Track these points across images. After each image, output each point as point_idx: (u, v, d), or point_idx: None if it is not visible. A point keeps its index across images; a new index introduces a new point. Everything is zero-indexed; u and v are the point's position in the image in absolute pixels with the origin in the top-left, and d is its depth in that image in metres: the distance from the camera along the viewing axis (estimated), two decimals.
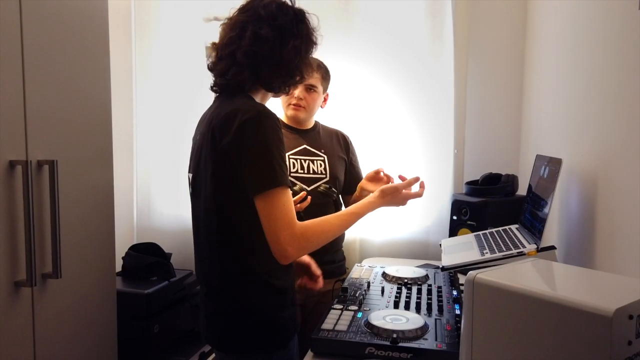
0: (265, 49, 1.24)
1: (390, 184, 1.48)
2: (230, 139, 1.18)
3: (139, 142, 2.47)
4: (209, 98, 1.34)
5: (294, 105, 1.92)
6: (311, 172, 1.92)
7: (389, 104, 2.39)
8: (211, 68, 1.31)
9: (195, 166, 1.30)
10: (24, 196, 1.06)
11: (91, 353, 1.29)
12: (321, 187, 1.87)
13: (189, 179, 1.36)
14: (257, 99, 1.32)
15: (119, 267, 2.22)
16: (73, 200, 1.19)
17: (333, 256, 1.99)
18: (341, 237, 2.05)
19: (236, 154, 1.18)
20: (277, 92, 1.36)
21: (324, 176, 1.93)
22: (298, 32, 1.28)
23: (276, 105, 2.05)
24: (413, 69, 2.36)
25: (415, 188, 1.51)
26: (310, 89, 1.92)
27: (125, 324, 1.62)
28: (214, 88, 1.32)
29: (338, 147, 2.05)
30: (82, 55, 1.23)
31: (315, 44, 1.35)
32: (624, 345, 0.67)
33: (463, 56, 2.38)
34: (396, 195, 1.45)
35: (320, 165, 1.94)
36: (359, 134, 2.39)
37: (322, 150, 1.97)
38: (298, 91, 1.89)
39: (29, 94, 1.07)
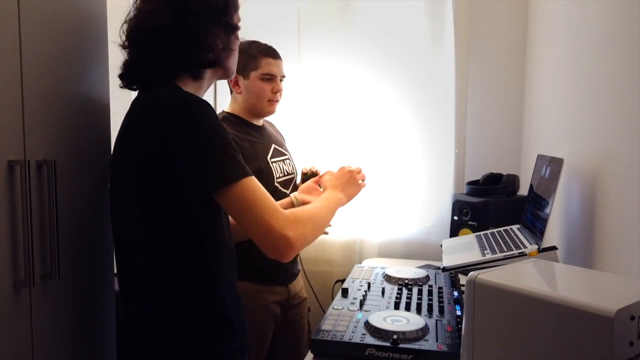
0: (132, 23, 1.08)
1: (327, 179, 1.37)
2: (155, 137, 1.01)
3: None
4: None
5: (276, 101, 1.78)
6: (286, 173, 1.83)
7: (389, 104, 2.39)
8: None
9: (113, 175, 1.14)
10: (22, 196, 1.05)
11: (90, 354, 1.28)
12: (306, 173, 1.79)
13: (109, 189, 1.18)
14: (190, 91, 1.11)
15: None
16: (72, 200, 1.18)
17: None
18: None
19: (168, 155, 1.00)
20: (181, 78, 1.12)
21: (293, 175, 1.86)
22: None
23: (224, 98, 1.96)
24: (413, 69, 2.36)
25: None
26: (281, 80, 1.82)
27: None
28: (123, 84, 1.16)
29: (283, 140, 1.96)
30: (80, 55, 1.23)
31: (217, 4, 1.11)
32: (625, 346, 0.66)
33: (464, 56, 2.38)
34: (333, 175, 1.36)
35: (289, 165, 1.86)
36: (359, 134, 2.39)
37: (284, 148, 1.89)
38: (277, 84, 1.77)
39: (27, 93, 1.06)
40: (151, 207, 1.06)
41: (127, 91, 1.25)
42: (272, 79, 1.77)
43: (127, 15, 1.13)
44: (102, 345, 1.33)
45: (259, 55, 1.76)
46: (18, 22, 1.04)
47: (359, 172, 1.40)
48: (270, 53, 1.78)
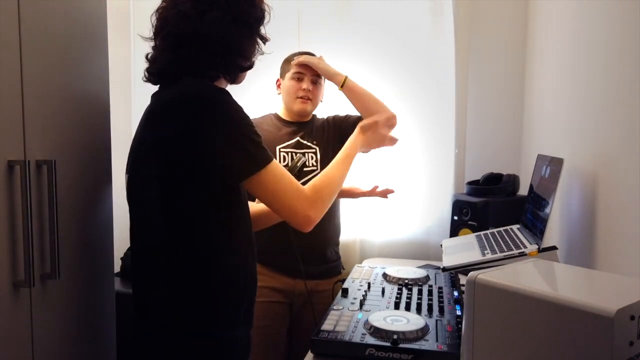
0: (186, 26, 1.11)
1: (368, 119, 1.48)
2: (181, 127, 1.05)
3: None
4: None
5: (301, 98, 1.89)
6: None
7: (389, 104, 2.38)
8: (148, 59, 1.21)
9: (132, 166, 1.17)
10: (22, 196, 1.05)
11: (90, 354, 1.28)
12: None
13: (126, 180, 1.21)
14: None
15: (117, 267, 2.21)
16: (72, 200, 1.18)
17: (327, 256, 1.96)
18: (335, 236, 2.00)
19: (194, 144, 1.05)
20: (215, 79, 1.18)
21: (316, 169, 1.89)
22: (222, 1, 1.12)
23: (271, 98, 2.05)
24: (413, 68, 2.36)
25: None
26: (315, 81, 1.91)
27: (124, 325, 1.62)
28: (150, 78, 1.21)
29: (331, 134, 1.98)
30: (80, 55, 1.22)
31: (258, 12, 1.18)
32: (625, 346, 0.66)
33: (464, 55, 2.37)
34: (375, 129, 1.45)
35: (312, 158, 1.91)
36: None
37: (315, 142, 1.94)
38: (306, 83, 1.88)
39: (27, 93, 1.06)
40: (171, 195, 1.09)
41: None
42: (301, 78, 1.90)
43: (171, 13, 1.14)
44: (102, 345, 1.33)
45: (293, 57, 1.93)
46: (18, 22, 1.04)
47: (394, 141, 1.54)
48: (304, 54, 1.93)
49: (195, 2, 1.12)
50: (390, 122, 1.55)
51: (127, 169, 1.19)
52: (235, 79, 1.22)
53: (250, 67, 1.22)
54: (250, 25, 1.18)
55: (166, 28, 1.14)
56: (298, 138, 1.92)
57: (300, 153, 1.89)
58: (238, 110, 1.10)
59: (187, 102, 1.07)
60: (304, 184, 1.63)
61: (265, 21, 1.22)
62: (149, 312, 1.15)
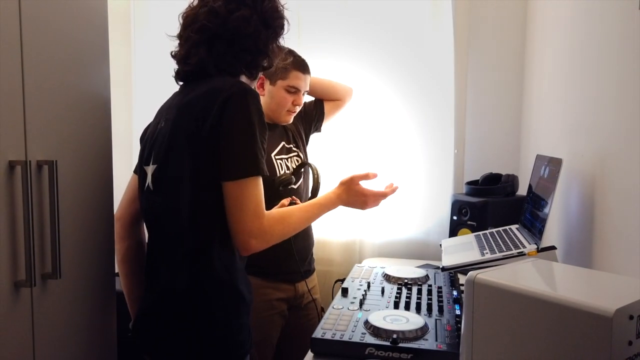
0: (217, 22, 1.18)
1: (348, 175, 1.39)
2: (211, 120, 1.10)
3: (138, 142, 2.46)
4: None
5: (293, 112, 1.86)
6: (290, 170, 1.90)
7: (388, 104, 2.39)
8: (173, 55, 1.26)
9: (163, 157, 1.20)
10: (23, 197, 1.05)
11: (91, 354, 1.28)
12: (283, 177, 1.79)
13: (144, 172, 1.25)
14: None
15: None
16: (73, 200, 1.19)
17: (312, 253, 1.96)
18: (309, 243, 1.96)
19: (216, 136, 1.11)
20: (237, 75, 1.24)
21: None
22: (252, 2, 1.20)
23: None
24: (413, 69, 2.36)
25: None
26: (304, 94, 1.89)
27: (125, 325, 1.62)
28: (178, 76, 1.28)
29: (300, 131, 2.00)
30: (81, 55, 1.23)
31: (281, 19, 1.25)
32: (624, 346, 0.67)
33: (463, 56, 2.38)
34: (352, 187, 1.37)
35: (297, 162, 1.92)
36: (359, 134, 2.39)
37: (294, 145, 1.94)
38: (300, 99, 1.85)
39: (28, 94, 1.06)
40: (204, 188, 1.14)
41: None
42: (296, 92, 1.84)
43: (196, 10, 1.23)
44: (103, 345, 1.33)
45: (291, 67, 1.82)
46: (19, 22, 1.04)
47: (383, 196, 1.43)
48: (301, 67, 1.85)
49: (225, 1, 1.19)
50: (367, 177, 1.41)
51: (152, 160, 1.23)
52: (256, 77, 1.29)
53: (270, 67, 1.28)
54: (274, 28, 1.24)
55: (197, 23, 1.20)
56: (283, 142, 1.89)
57: (287, 158, 1.89)
58: (262, 117, 1.14)
59: (224, 97, 1.11)
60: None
61: (285, 32, 1.27)
62: (167, 300, 1.19)
